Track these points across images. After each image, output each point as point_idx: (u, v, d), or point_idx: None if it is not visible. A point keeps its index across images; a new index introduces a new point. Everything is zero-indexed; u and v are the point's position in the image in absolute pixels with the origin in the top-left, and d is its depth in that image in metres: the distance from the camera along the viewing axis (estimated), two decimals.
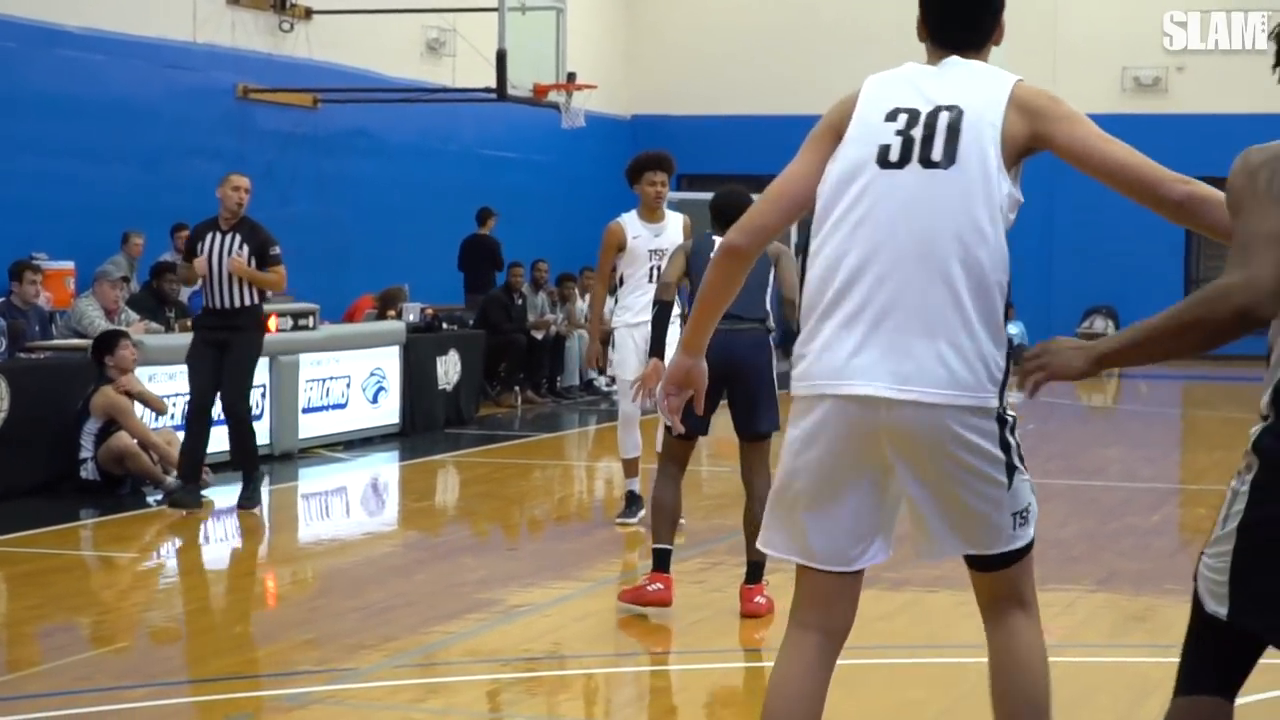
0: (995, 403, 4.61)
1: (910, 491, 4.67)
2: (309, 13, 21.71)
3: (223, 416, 12.94)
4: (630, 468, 12.43)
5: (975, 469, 4.59)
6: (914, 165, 4.60)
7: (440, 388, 18.91)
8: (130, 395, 13.36)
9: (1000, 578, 4.78)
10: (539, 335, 21.91)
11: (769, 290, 9.40)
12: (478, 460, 16.69)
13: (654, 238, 11.74)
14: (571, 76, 22.33)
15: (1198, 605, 4.31)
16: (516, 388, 21.44)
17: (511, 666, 8.26)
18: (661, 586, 9.36)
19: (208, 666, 8.34)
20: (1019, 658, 4.84)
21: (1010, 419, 4.65)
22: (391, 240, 22.40)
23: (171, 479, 13.47)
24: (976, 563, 4.78)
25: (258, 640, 9.14)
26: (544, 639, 8.96)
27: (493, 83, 20.92)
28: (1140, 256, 29.01)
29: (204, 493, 13.36)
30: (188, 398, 13.13)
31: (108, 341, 13.42)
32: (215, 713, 7.48)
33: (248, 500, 12.78)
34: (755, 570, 9.25)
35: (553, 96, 22.00)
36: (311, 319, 16.84)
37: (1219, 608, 4.20)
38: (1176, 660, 8.23)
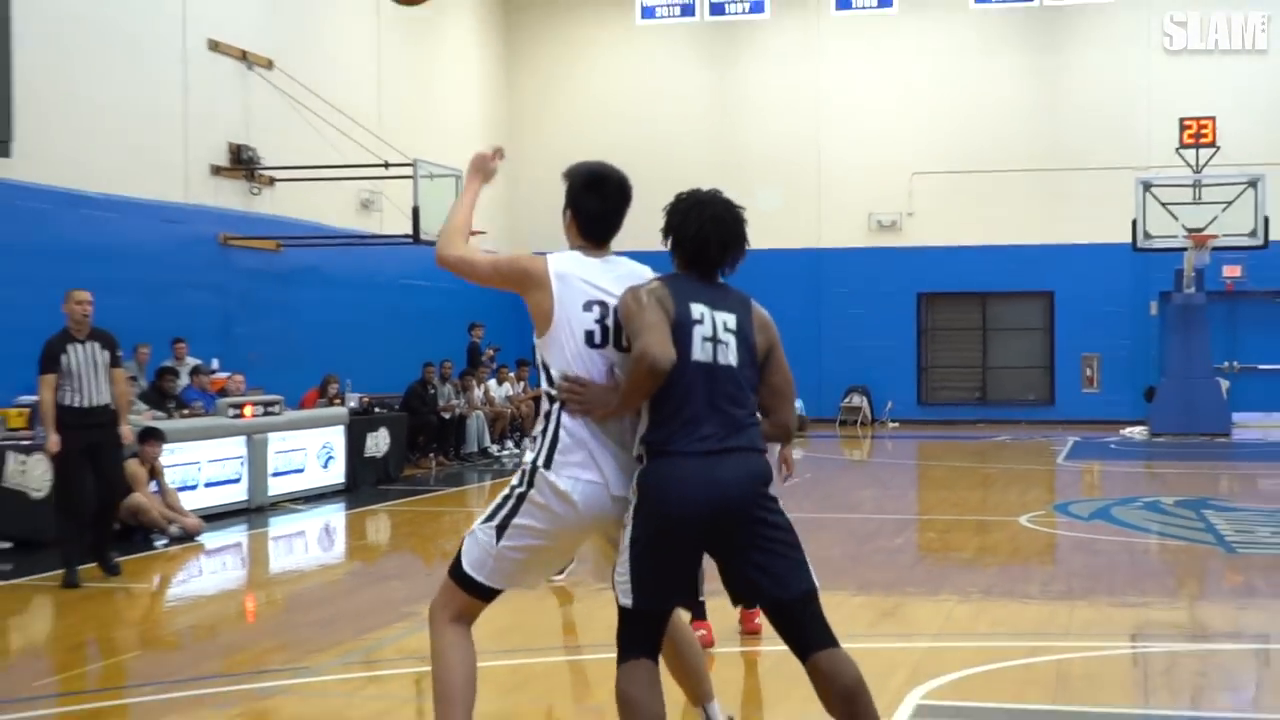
0: None
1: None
2: (272, 180, 21.60)
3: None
4: None
5: None
6: None
7: (373, 455, 18.75)
8: (153, 472, 13.36)
9: None
10: (447, 415, 21.77)
11: None
12: (403, 509, 16.54)
13: None
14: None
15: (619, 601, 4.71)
16: (431, 454, 21.18)
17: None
18: (704, 633, 7.65)
19: (200, 668, 8.21)
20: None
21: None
22: (337, 347, 22.17)
23: (174, 529, 13.29)
24: None
25: (238, 647, 8.98)
26: None
27: (410, 230, 20.93)
28: (885, 348, 29.39)
29: (199, 537, 13.28)
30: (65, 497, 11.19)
31: (148, 434, 13.43)
32: (206, 704, 7.33)
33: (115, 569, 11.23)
34: None
35: None
36: (278, 406, 16.78)
37: (627, 600, 4.66)
38: (917, 645, 8.31)
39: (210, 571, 12.51)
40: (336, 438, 17.91)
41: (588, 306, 4.77)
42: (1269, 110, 28.07)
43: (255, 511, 15.54)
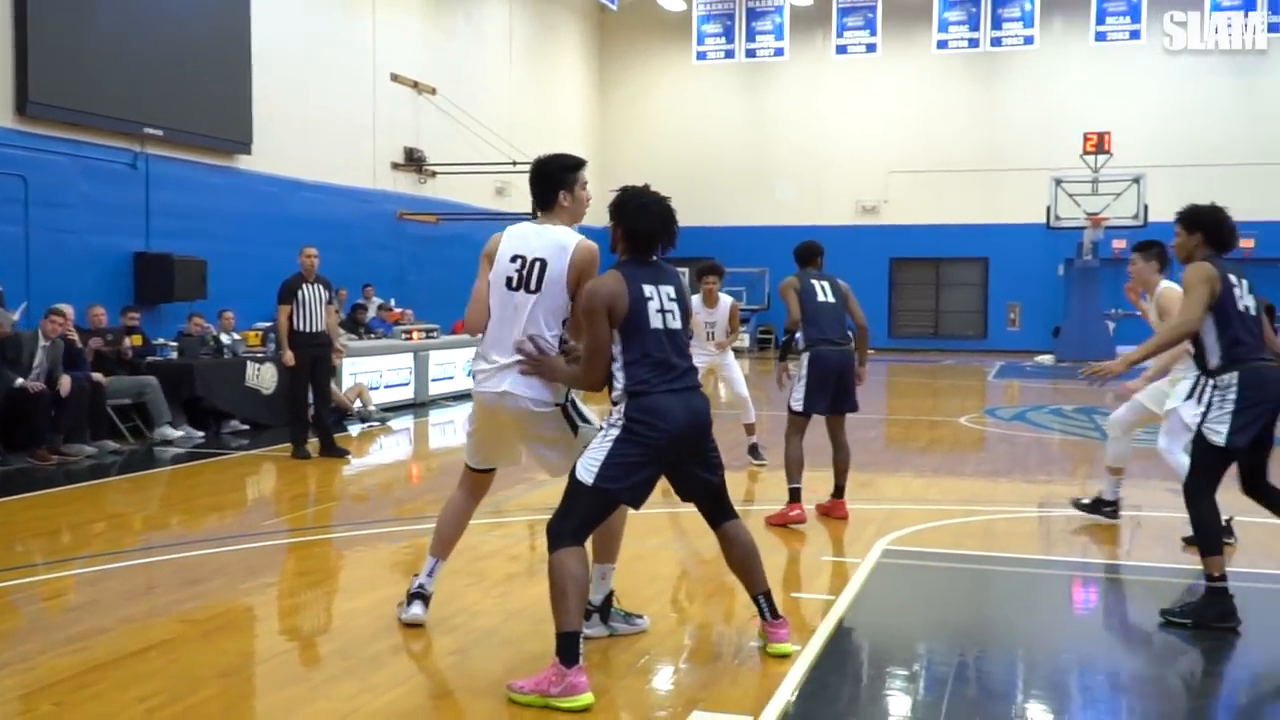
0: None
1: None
2: (434, 173, 21.54)
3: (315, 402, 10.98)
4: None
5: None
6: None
7: None
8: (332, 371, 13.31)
9: None
10: None
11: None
12: None
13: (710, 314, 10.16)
14: None
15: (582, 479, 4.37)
16: None
17: (545, 511, 8.15)
18: (799, 513, 7.43)
19: (379, 515, 8.21)
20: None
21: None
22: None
23: (356, 406, 13.39)
24: None
25: (406, 500, 8.99)
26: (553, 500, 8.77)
27: (530, 209, 20.83)
28: (864, 297, 29.10)
29: (389, 422, 13.26)
30: (294, 390, 11.01)
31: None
32: (384, 540, 7.33)
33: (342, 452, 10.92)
34: (838, 489, 7.58)
35: None
36: (435, 332, 16.74)
37: (589, 478, 4.35)
38: (884, 507, 8.11)
39: (388, 447, 12.53)
40: None
41: (513, 259, 4.74)
42: (1157, 120, 27.35)
43: (419, 405, 15.56)
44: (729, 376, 10.35)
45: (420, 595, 5.14)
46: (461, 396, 16.90)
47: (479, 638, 5.02)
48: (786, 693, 4.31)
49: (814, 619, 5.31)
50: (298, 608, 5.84)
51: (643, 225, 4.48)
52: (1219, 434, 5.22)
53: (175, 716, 4.08)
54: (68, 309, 11.08)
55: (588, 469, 4.32)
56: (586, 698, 4.10)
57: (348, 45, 19.25)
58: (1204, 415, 5.28)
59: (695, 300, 10.10)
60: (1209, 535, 5.28)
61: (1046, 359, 26.32)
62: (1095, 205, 25.27)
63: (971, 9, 27.42)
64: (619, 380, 4.41)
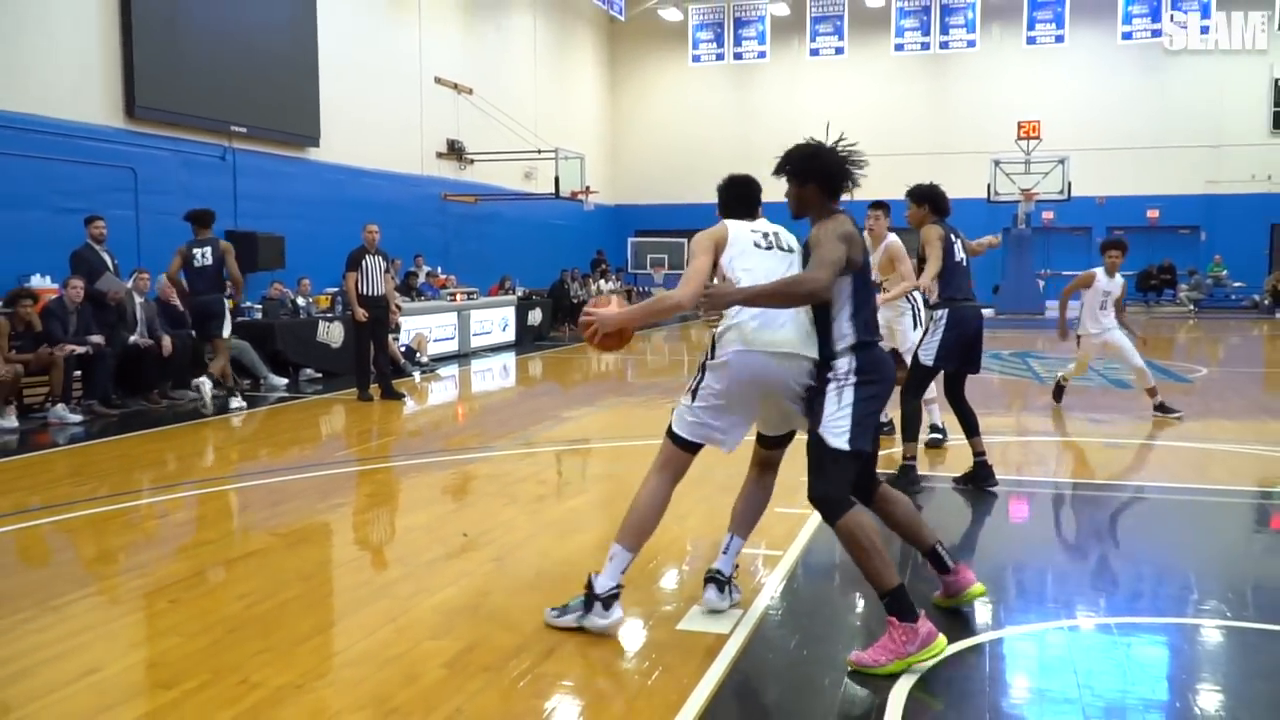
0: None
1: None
2: (472, 160, 21.37)
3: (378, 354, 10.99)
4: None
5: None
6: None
7: (531, 324, 18.65)
8: (396, 327, 13.29)
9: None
10: (574, 300, 21.30)
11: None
12: (549, 356, 16.50)
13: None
14: (587, 188, 22.06)
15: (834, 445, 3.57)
16: (565, 323, 20.56)
17: (568, 443, 8.17)
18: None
19: (429, 447, 8.25)
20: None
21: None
22: (510, 259, 22.09)
23: (419, 357, 13.33)
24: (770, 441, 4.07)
25: (465, 435, 9.04)
26: (576, 434, 8.81)
27: (553, 190, 20.75)
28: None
29: (439, 370, 13.24)
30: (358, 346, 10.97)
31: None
32: (433, 468, 7.38)
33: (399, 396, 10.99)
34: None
35: (580, 197, 21.79)
36: (475, 294, 16.84)
37: (843, 444, 3.57)
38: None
39: (436, 392, 12.54)
40: (509, 313, 17.80)
41: (753, 230, 3.97)
42: (1079, 109, 27.02)
43: (462, 356, 15.57)
44: (1121, 347, 9.28)
45: (715, 579, 4.06)
46: (497, 349, 16.93)
47: (514, 547, 5.07)
48: (770, 590, 4.35)
49: (797, 530, 5.35)
50: (365, 523, 5.90)
51: (837, 166, 3.87)
52: (929, 357, 6.11)
53: (268, 610, 4.15)
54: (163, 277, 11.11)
55: (838, 434, 3.55)
56: (942, 641, 3.49)
57: (398, 53, 19.04)
58: (920, 340, 6.21)
59: (1099, 272, 9.26)
60: (910, 426, 6.20)
61: (988, 312, 26.23)
62: (1028, 183, 25.11)
63: (923, 16, 27.03)
64: (846, 333, 3.66)
